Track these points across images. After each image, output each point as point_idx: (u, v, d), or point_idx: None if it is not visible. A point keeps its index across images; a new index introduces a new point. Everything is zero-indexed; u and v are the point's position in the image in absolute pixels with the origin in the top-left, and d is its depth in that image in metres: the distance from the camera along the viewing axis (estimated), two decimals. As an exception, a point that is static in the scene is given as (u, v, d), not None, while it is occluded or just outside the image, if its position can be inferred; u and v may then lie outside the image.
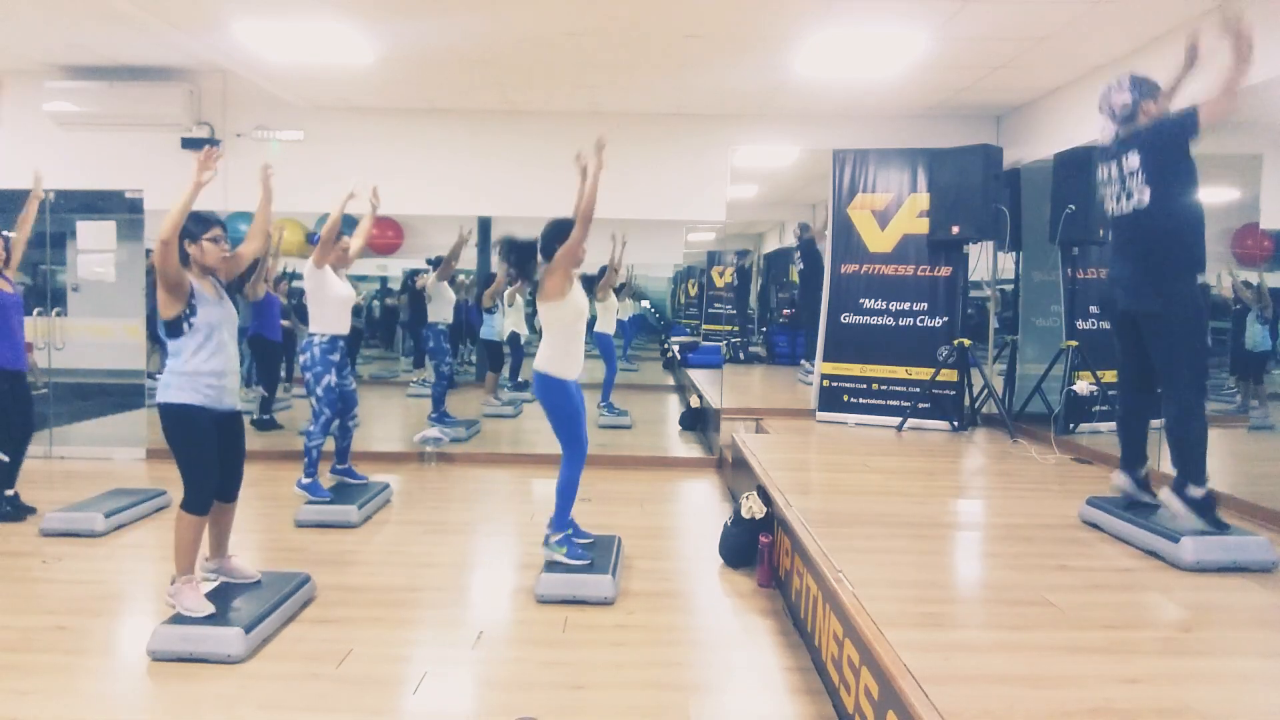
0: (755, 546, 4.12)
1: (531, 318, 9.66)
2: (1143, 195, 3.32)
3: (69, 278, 6.83)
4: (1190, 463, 3.34)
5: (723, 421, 6.62)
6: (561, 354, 3.90)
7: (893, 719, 2.26)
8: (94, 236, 6.57)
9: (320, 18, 4.95)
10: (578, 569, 3.82)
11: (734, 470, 5.93)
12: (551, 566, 3.87)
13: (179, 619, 3.20)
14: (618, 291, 9.38)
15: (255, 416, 7.40)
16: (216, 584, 3.57)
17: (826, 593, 3.04)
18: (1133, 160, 3.35)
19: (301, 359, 5.10)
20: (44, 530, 4.58)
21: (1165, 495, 3.42)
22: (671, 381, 10.81)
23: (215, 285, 3.43)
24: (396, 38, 5.29)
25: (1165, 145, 3.29)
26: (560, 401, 3.91)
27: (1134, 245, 3.44)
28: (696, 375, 8.89)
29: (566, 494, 4.00)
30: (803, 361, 8.80)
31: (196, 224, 3.35)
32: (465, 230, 7.46)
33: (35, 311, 6.64)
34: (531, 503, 5.74)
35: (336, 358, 5.09)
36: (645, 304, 11.30)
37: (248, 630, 3.15)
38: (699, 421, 7.88)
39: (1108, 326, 6.10)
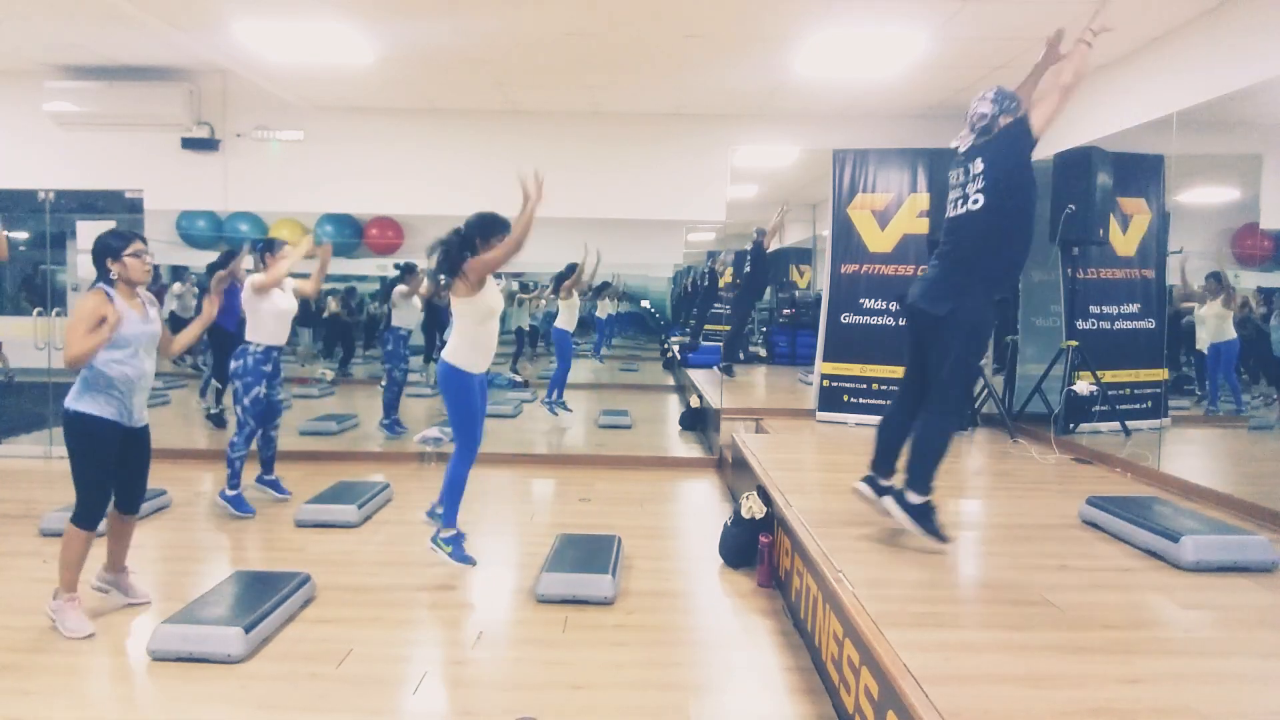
0: (755, 546, 4.12)
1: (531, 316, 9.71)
2: (977, 200, 3.31)
3: (69, 278, 6.83)
4: (920, 471, 3.35)
5: (723, 421, 6.62)
6: (468, 347, 3.89)
7: (893, 719, 2.26)
8: (94, 236, 6.56)
9: (320, 18, 4.95)
10: (579, 567, 3.82)
11: (734, 470, 5.93)
12: (552, 566, 3.87)
13: (179, 618, 3.20)
14: (600, 291, 9.40)
15: (210, 410, 7.38)
16: (109, 594, 3.61)
17: (826, 593, 3.04)
18: (977, 167, 3.34)
19: (234, 365, 5.02)
20: (44, 530, 4.58)
21: (887, 502, 3.41)
22: (671, 381, 10.81)
23: (143, 303, 3.40)
24: (396, 38, 5.29)
25: (1003, 154, 3.27)
26: (460, 393, 3.90)
27: (949, 248, 3.43)
28: (696, 375, 8.89)
29: (454, 490, 3.97)
30: (715, 367, 8.85)
31: (117, 240, 3.34)
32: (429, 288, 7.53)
33: (35, 311, 6.64)
34: (531, 502, 5.74)
35: (269, 369, 5.03)
36: (645, 304, 11.31)
37: (248, 630, 3.14)
38: (699, 421, 7.88)
39: (1108, 327, 6.15)
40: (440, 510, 4.05)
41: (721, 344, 9.07)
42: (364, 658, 3.17)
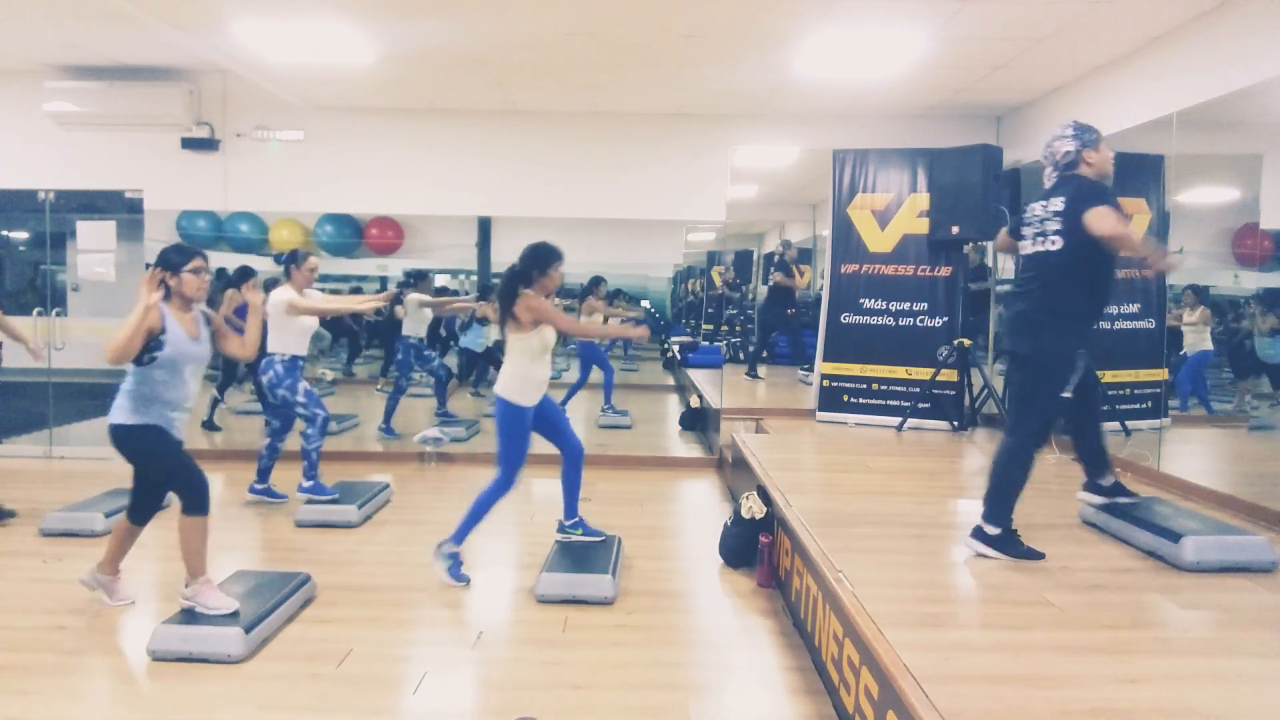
0: (755, 546, 4.12)
1: None
2: (1055, 241, 3.31)
3: (69, 278, 6.83)
4: (996, 503, 3.37)
5: (723, 421, 6.62)
6: (521, 381, 3.92)
7: (893, 719, 2.26)
8: (94, 236, 6.57)
9: (320, 18, 4.95)
10: (579, 567, 3.82)
11: (734, 470, 5.93)
12: (552, 566, 3.87)
13: (179, 619, 3.20)
14: (613, 297, 9.39)
15: (204, 419, 7.40)
16: (95, 591, 3.61)
17: (826, 593, 3.04)
18: (1057, 204, 3.33)
19: (265, 379, 5.02)
20: (44, 530, 4.58)
21: (969, 540, 3.42)
22: (671, 381, 10.81)
23: (196, 320, 3.37)
24: (396, 38, 5.29)
25: (1085, 204, 3.25)
26: (513, 426, 3.95)
27: (1031, 286, 3.44)
28: (696, 375, 8.89)
29: (478, 512, 3.97)
30: (745, 374, 8.85)
31: (178, 255, 3.29)
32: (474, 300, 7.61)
33: (35, 311, 6.64)
34: (531, 503, 5.74)
35: (299, 373, 5.07)
36: (645, 304, 11.30)
37: (248, 630, 3.15)
38: (699, 421, 7.88)
39: (1108, 327, 6.15)
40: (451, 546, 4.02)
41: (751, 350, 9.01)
42: (364, 658, 3.17)
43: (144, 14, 5.02)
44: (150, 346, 3.19)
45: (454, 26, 5.07)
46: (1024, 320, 3.42)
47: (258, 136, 6.93)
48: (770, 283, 8.95)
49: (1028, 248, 3.47)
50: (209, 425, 7.35)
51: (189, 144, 6.79)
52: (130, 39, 5.81)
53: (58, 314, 6.68)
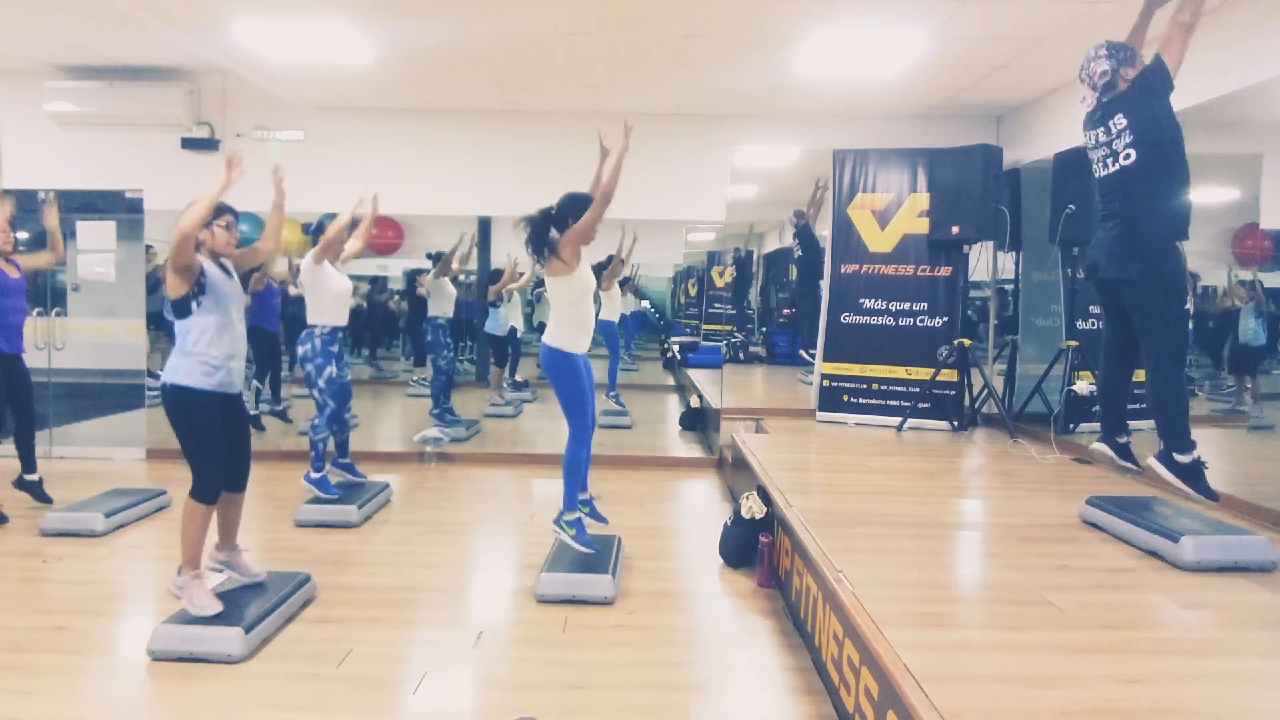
0: (755, 546, 4.12)
1: (530, 316, 9.67)
2: (1129, 155, 3.32)
3: (69, 278, 6.82)
4: (1173, 431, 3.36)
5: (723, 421, 6.62)
6: (570, 328, 3.90)
7: (893, 719, 2.26)
8: (94, 236, 6.57)
9: (320, 18, 4.95)
10: (579, 567, 3.82)
11: (734, 470, 5.93)
12: (552, 566, 3.87)
13: (179, 618, 3.20)
14: (622, 285, 9.36)
15: (253, 409, 7.38)
16: (224, 577, 3.57)
17: (826, 593, 3.04)
18: (1119, 122, 3.35)
19: (301, 350, 5.04)
20: (44, 530, 4.58)
21: (1152, 462, 3.43)
22: (671, 381, 10.80)
23: (223, 268, 3.42)
24: (396, 38, 5.29)
25: (1146, 103, 3.30)
26: (567, 375, 3.89)
27: (1117, 207, 3.42)
28: (696, 375, 8.88)
29: (572, 473, 3.99)
30: (802, 352, 8.66)
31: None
32: (469, 235, 7.46)
33: (35, 311, 6.64)
34: (531, 502, 5.74)
35: (336, 349, 5.07)
36: (645, 304, 11.28)
37: (248, 630, 3.15)
38: (699, 421, 7.88)
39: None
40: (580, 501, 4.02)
41: (800, 336, 8.83)
42: (364, 658, 3.17)
43: (144, 14, 5.02)
44: (194, 293, 3.23)
45: (454, 26, 5.07)
46: (1123, 245, 3.37)
47: (258, 136, 6.93)
48: (797, 256, 8.75)
49: (1099, 172, 3.47)
50: (253, 420, 7.35)
51: (189, 144, 6.79)
52: (130, 39, 5.81)
53: (58, 314, 6.68)
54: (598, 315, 8.06)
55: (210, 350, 3.27)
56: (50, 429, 6.60)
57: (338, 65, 5.80)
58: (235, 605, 3.34)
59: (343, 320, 5.14)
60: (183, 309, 3.25)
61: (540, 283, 4.18)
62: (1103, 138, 3.44)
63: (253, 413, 7.42)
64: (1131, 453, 3.74)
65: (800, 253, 8.62)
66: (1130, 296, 3.40)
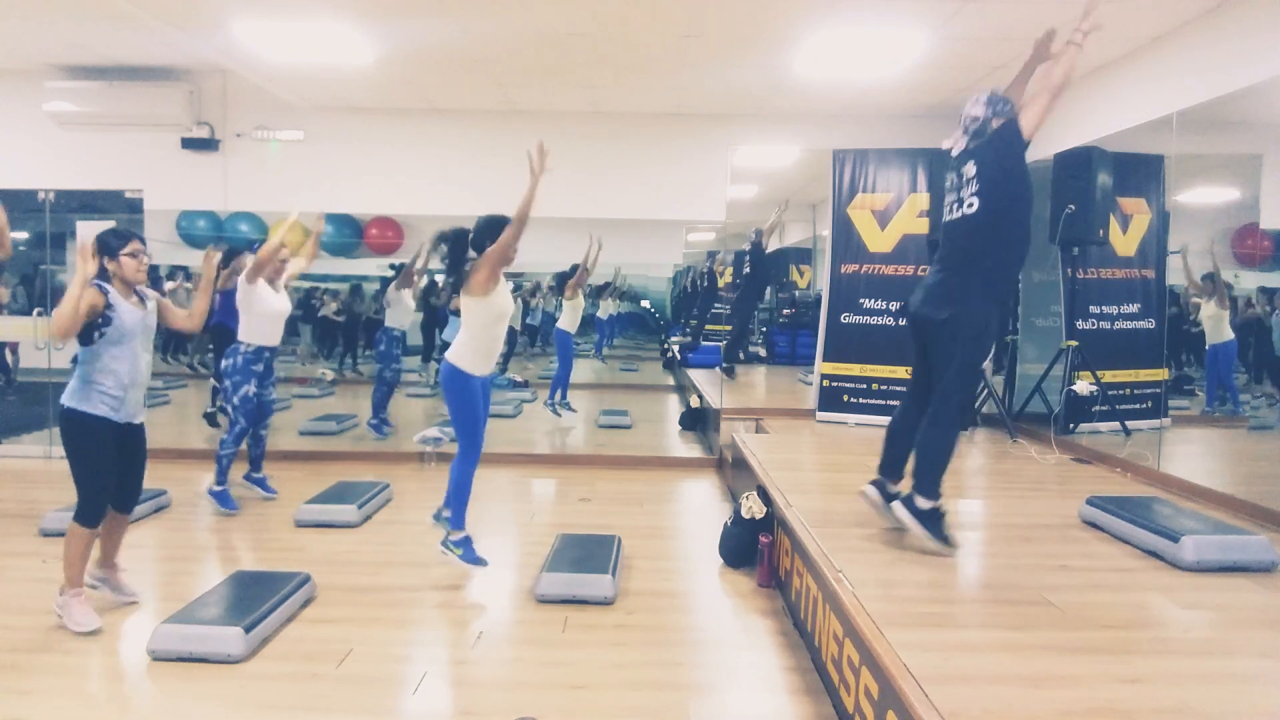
0: (755, 546, 4.12)
1: (523, 313, 9.70)
2: (972, 204, 3.32)
3: (69, 278, 6.82)
4: (927, 475, 3.34)
5: (723, 421, 6.62)
6: (473, 350, 3.89)
7: (893, 719, 2.26)
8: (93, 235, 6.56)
9: (320, 18, 4.95)
10: (579, 567, 3.82)
11: (734, 470, 5.93)
12: (552, 566, 3.87)
13: (180, 618, 3.20)
14: (602, 290, 9.38)
15: (206, 410, 7.35)
16: (99, 590, 3.60)
17: (826, 593, 3.04)
18: (969, 170, 3.35)
19: (224, 364, 5.05)
20: (44, 530, 4.58)
21: (895, 507, 3.40)
22: (671, 381, 10.81)
23: (140, 298, 3.43)
24: (396, 38, 5.29)
25: (995, 157, 3.28)
26: (461, 395, 3.89)
27: (951, 251, 3.44)
28: (696, 375, 8.89)
29: (460, 492, 3.96)
30: (716, 367, 8.77)
31: (116, 239, 3.36)
32: (426, 245, 7.47)
33: (35, 311, 6.64)
34: (531, 502, 5.74)
35: (260, 368, 5.04)
36: (645, 304, 11.29)
37: (248, 630, 3.14)
38: (699, 421, 7.88)
39: (1108, 327, 6.15)
40: (447, 514, 4.04)
41: (723, 345, 9.06)
42: (364, 658, 3.17)
43: (144, 14, 5.02)
44: (98, 324, 3.25)
45: (454, 26, 5.07)
46: (942, 288, 3.40)
47: (258, 136, 6.93)
48: (745, 272, 8.98)
49: (947, 215, 3.48)
50: (209, 418, 7.32)
51: (189, 144, 6.79)
52: (130, 39, 5.81)
53: (57, 314, 6.67)
54: (555, 324, 8.11)
55: (107, 381, 3.30)
56: (50, 429, 6.59)
57: (337, 65, 5.80)
58: (236, 605, 3.34)
59: (273, 341, 5.10)
60: (85, 338, 3.27)
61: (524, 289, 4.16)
62: (954, 182, 3.44)
63: (208, 411, 7.39)
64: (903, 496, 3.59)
65: (748, 269, 8.85)
66: (934, 337, 3.39)
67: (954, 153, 3.47)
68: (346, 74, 6.01)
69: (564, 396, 8.11)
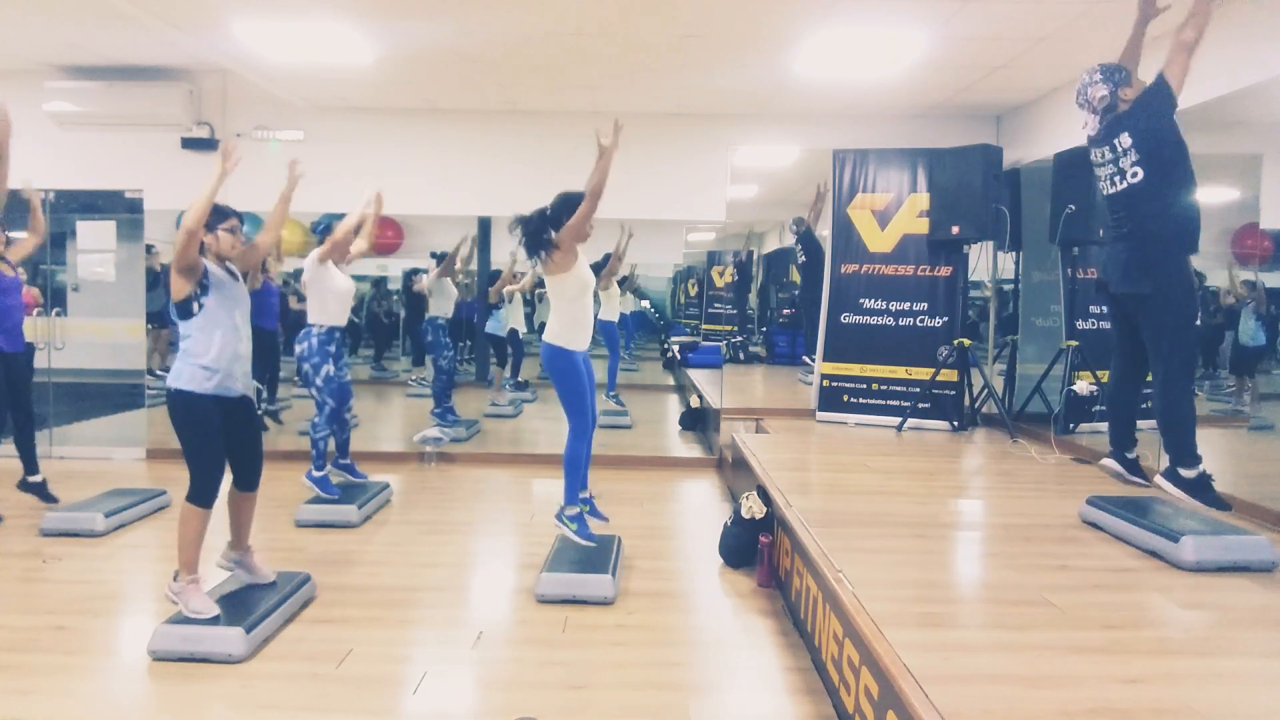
0: (755, 546, 4.12)
1: (530, 317, 9.68)
2: (1136, 173, 3.36)
3: (69, 278, 6.82)
4: (1179, 446, 3.40)
5: (723, 421, 6.62)
6: (568, 325, 3.96)
7: (893, 719, 2.26)
8: (94, 236, 6.57)
9: (320, 18, 4.95)
10: (579, 567, 3.82)
11: (734, 470, 5.93)
12: (552, 566, 3.87)
13: (179, 619, 3.20)
14: (620, 284, 9.38)
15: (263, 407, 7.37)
16: (232, 576, 3.59)
17: (826, 593, 3.04)
18: (1124, 140, 3.39)
19: (298, 349, 5.07)
20: (44, 530, 4.58)
21: (1159, 481, 3.48)
22: (671, 381, 10.81)
23: (229, 271, 3.43)
24: (396, 38, 5.29)
25: (1151, 121, 3.33)
26: (567, 372, 3.95)
27: (1127, 225, 3.46)
28: (696, 375, 8.88)
29: (573, 468, 4.05)
30: (804, 357, 8.69)
31: (214, 214, 3.33)
32: (470, 237, 7.50)
33: (35, 311, 6.63)
34: (531, 502, 5.74)
35: (333, 349, 5.08)
36: (645, 304, 11.29)
37: (248, 630, 3.15)
38: (699, 421, 7.88)
39: (1108, 327, 6.13)
40: (584, 494, 4.12)
41: (805, 336, 8.87)
42: (364, 658, 3.17)
43: (144, 14, 5.03)
44: (196, 294, 3.23)
45: (454, 26, 5.07)
46: (1135, 260, 3.41)
47: (258, 136, 6.93)
48: (800, 261, 8.71)
49: (1107, 189, 3.51)
50: (273, 415, 7.35)
51: (189, 144, 6.79)
52: (130, 39, 5.81)
53: (57, 314, 6.67)
54: (597, 314, 8.14)
55: (210, 353, 3.27)
56: (50, 429, 6.60)
57: (337, 65, 5.80)
58: (236, 605, 3.34)
59: (342, 320, 5.16)
60: (185, 310, 3.24)
61: (541, 283, 4.22)
62: (1109, 155, 3.47)
63: (263, 409, 7.41)
64: (1140, 467, 3.76)
65: (804, 257, 8.61)
66: (1141, 311, 3.45)
67: (1092, 133, 3.51)
68: (346, 74, 6.01)
69: (612, 388, 8.21)
